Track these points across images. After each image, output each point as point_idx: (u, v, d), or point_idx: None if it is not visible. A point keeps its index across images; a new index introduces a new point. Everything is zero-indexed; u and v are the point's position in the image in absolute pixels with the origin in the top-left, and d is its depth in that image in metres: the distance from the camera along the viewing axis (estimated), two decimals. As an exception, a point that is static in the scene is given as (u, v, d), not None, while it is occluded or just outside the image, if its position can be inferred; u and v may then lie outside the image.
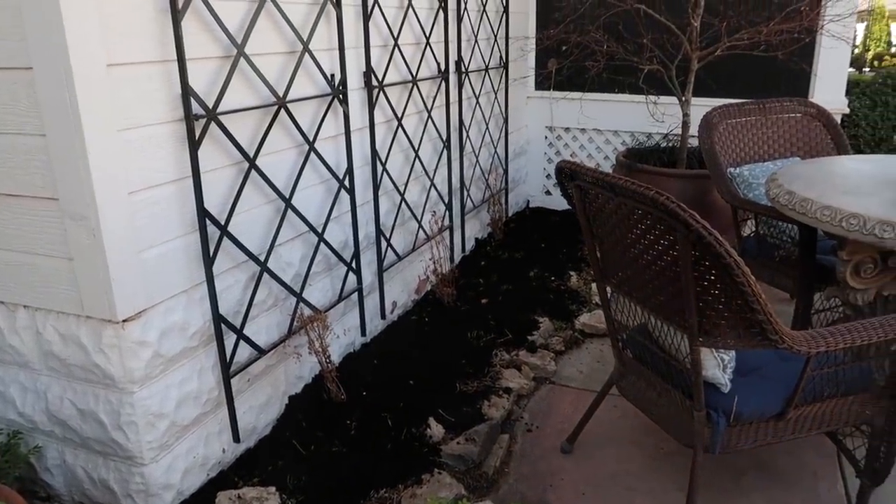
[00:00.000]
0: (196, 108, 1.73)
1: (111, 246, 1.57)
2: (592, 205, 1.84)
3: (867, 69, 10.00)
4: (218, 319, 1.89)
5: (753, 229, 2.87)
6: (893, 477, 1.80)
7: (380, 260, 2.75)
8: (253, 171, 1.97)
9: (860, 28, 12.25)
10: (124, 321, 1.63)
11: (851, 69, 8.96)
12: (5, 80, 1.52)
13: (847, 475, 1.96)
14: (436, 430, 2.17)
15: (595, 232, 1.91)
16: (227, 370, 1.93)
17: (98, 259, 1.57)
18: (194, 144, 1.74)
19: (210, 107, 1.77)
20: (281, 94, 2.05)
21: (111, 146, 1.54)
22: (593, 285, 3.38)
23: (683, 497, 1.82)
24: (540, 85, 4.47)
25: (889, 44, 12.69)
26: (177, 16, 1.64)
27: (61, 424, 1.82)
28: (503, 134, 4.11)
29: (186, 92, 1.69)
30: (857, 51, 11.36)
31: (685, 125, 3.59)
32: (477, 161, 3.76)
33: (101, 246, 1.55)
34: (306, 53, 2.14)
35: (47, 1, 1.39)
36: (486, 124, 3.85)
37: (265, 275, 2.07)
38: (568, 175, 1.84)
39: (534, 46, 4.38)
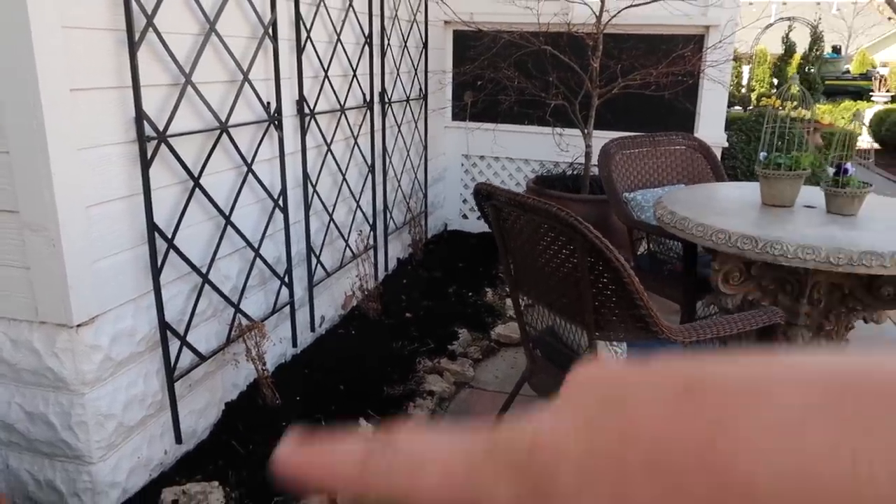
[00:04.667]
0: (148, 130, 1.89)
1: (69, 256, 1.70)
2: (506, 222, 2.10)
3: (752, 107, 10.95)
4: (164, 326, 2.02)
5: (646, 247, 3.24)
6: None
7: (310, 275, 2.93)
8: (197, 190, 2.13)
9: (745, 70, 13.37)
10: (78, 326, 1.76)
11: (739, 108, 9.86)
12: (-31, 100, 1.64)
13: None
14: (365, 429, 2.36)
15: (508, 246, 2.18)
16: (171, 374, 2.06)
17: (56, 268, 1.69)
18: (146, 164, 1.89)
19: (161, 130, 1.93)
20: (223, 119, 2.22)
21: (71, 164, 1.68)
22: (507, 300, 3.67)
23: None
24: (456, 115, 4.78)
25: (772, 84, 13.92)
26: (133, 47, 1.80)
27: (7, 429, 1.89)
28: (423, 161, 4.38)
29: (140, 116, 1.85)
30: (743, 90, 12.44)
31: (587, 155, 3.97)
32: (399, 185, 4.00)
33: (60, 255, 1.68)
34: (246, 83, 2.33)
35: (19, 32, 1.53)
36: (408, 151, 4.11)
37: (206, 286, 2.22)
38: (485, 195, 2.10)
39: (450, 80, 4.70)
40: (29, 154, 1.62)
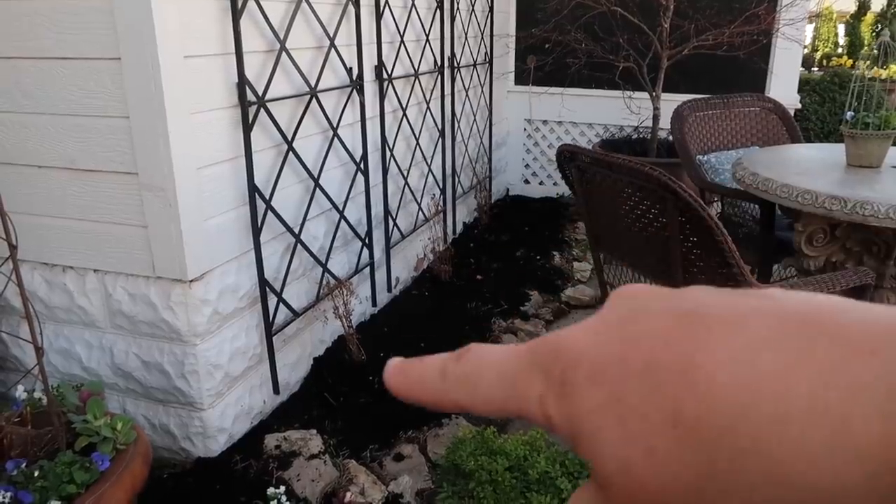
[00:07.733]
0: (249, 95, 1.98)
1: (184, 215, 1.81)
2: (590, 184, 2.14)
3: (815, 69, 10.52)
4: (263, 283, 2.13)
5: (719, 210, 3.22)
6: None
7: (387, 238, 3.02)
8: (290, 153, 2.22)
9: (809, 29, 12.81)
10: (191, 281, 1.87)
11: (802, 68, 9.48)
12: (92, 68, 1.74)
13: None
14: (449, 383, 2.45)
15: (591, 207, 2.21)
16: (270, 329, 2.18)
17: (173, 226, 1.80)
18: (247, 127, 1.98)
19: (260, 95, 2.02)
20: (313, 84, 2.29)
21: (185, 127, 1.78)
22: (575, 263, 3.71)
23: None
24: (520, 80, 4.77)
25: (836, 44, 13.30)
26: (236, 15, 1.88)
27: (125, 376, 2.04)
28: (488, 125, 4.40)
29: (242, 81, 1.93)
30: (806, 51, 11.93)
31: (656, 118, 3.93)
32: (466, 150, 4.04)
33: (176, 214, 1.79)
34: (332, 49, 2.39)
35: (140, 3, 1.62)
36: (474, 116, 4.14)
37: (298, 246, 2.32)
38: (568, 157, 2.13)
39: (514, 44, 4.68)
40: (148, 118, 1.72)
